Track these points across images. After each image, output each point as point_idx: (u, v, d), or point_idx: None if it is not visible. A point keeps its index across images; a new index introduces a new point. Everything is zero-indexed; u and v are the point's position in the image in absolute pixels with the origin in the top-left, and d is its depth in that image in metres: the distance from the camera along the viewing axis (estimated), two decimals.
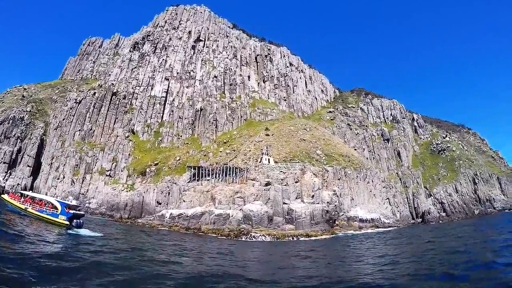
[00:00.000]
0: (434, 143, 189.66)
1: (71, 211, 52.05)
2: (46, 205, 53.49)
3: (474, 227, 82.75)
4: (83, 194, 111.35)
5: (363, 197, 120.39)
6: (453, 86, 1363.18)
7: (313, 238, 79.86)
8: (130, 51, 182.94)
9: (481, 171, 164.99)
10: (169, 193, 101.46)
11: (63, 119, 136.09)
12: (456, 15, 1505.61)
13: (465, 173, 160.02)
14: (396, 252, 46.27)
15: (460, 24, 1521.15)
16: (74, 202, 55.86)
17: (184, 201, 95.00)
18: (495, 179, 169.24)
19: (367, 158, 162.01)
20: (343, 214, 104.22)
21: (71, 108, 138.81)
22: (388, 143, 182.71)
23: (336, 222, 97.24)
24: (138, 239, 55.53)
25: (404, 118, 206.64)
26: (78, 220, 51.98)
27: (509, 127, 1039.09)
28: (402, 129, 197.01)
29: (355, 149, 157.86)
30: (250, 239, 75.15)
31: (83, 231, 49.18)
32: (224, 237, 75.16)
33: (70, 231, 47.75)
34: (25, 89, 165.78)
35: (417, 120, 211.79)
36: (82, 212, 57.02)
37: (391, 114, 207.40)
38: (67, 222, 50.60)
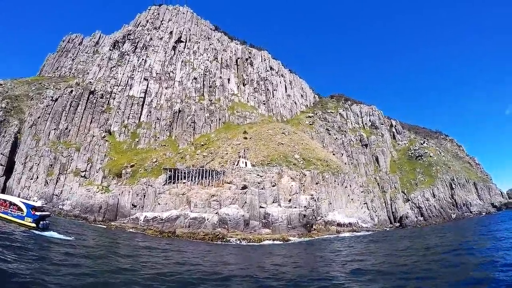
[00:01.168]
0: (411, 149, 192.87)
1: (37, 213, 50.59)
2: (11, 207, 51.76)
3: (450, 233, 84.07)
4: (56, 195, 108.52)
5: (341, 201, 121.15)
6: (432, 93, 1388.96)
7: (289, 242, 79.75)
8: (110, 49, 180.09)
9: (458, 176, 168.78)
10: (144, 195, 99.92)
11: (39, 117, 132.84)
12: (434, 22, 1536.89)
13: (442, 178, 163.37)
14: (360, 258, 46.50)
15: (439, 31, 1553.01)
16: (39, 203, 54.26)
17: (159, 203, 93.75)
18: (472, 184, 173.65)
19: (345, 163, 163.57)
20: (320, 218, 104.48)
21: (47, 106, 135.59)
22: (367, 148, 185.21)
23: (314, 227, 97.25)
24: (108, 243, 54.33)
25: (382, 124, 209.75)
26: (44, 222, 50.65)
27: (486, 135, 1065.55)
28: (381, 134, 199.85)
29: (333, 154, 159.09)
30: (224, 242, 74.56)
31: (51, 234, 47.84)
32: (199, 241, 74.38)
33: (37, 232, 46.49)
34: (0, 84, 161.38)
35: (395, 126, 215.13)
36: (47, 213, 55.42)
37: (369, 120, 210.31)
38: (33, 225, 49.23)
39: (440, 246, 50.66)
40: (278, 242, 79.09)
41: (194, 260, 41.88)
